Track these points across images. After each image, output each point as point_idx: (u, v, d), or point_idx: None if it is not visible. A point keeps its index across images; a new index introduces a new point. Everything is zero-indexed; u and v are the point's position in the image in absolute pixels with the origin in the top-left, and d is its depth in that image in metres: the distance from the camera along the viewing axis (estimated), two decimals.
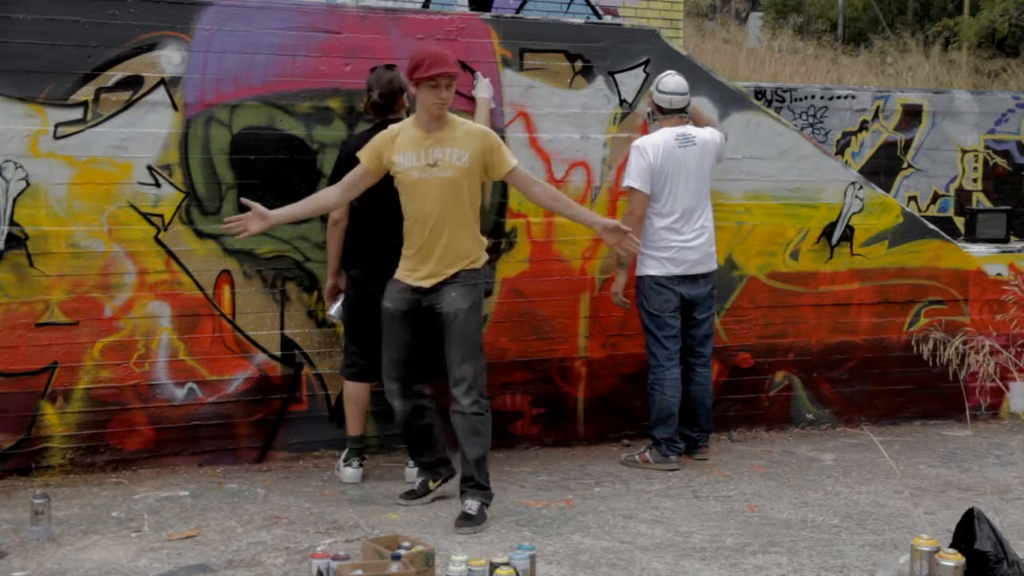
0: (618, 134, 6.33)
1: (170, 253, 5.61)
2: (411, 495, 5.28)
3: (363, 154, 5.05)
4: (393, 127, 5.10)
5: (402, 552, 3.99)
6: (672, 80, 6.01)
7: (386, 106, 5.47)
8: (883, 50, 20.15)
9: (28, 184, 5.34)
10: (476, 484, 5.00)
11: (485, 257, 5.13)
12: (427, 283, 4.99)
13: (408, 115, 5.53)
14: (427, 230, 4.96)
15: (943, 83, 16.97)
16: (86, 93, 5.40)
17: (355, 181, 5.07)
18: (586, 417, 6.45)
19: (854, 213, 6.84)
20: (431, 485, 5.30)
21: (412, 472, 5.54)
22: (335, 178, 5.51)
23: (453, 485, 5.23)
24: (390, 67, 5.52)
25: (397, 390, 5.14)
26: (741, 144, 6.49)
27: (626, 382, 6.45)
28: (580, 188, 6.29)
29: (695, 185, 5.98)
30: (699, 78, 6.38)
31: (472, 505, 4.93)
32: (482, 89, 5.91)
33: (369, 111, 5.56)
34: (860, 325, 6.94)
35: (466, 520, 4.87)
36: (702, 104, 6.37)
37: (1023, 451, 6.50)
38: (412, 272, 5.05)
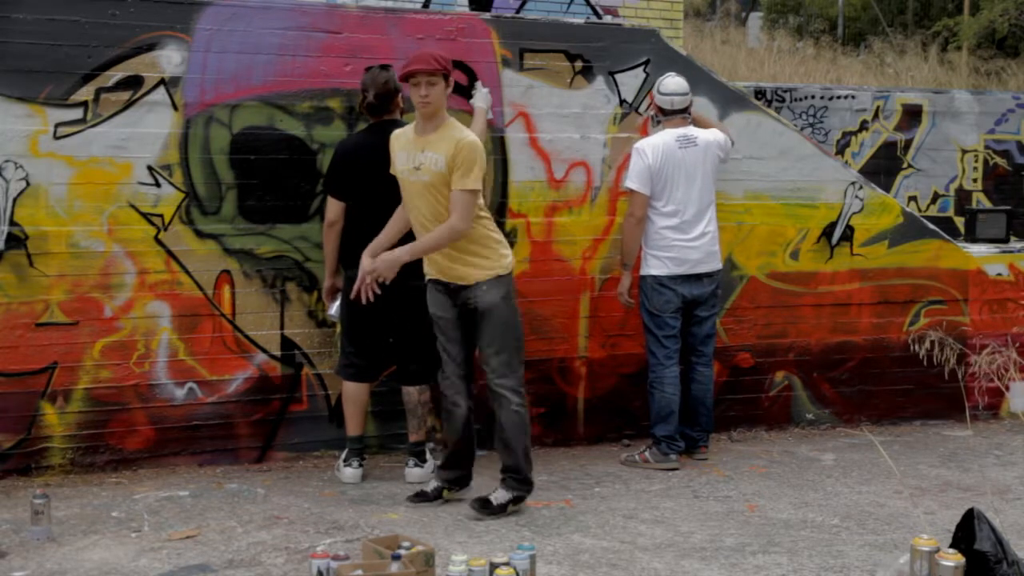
0: (618, 134, 6.33)
1: (170, 253, 5.61)
2: (422, 497, 5.23)
3: (393, 170, 5.12)
4: (397, 131, 5.13)
5: (402, 552, 3.99)
6: (672, 81, 6.01)
7: (380, 107, 5.47)
8: (881, 52, 20.13)
9: (28, 184, 5.34)
10: (521, 478, 5.04)
11: (506, 261, 5.05)
12: (451, 282, 5.00)
13: (403, 116, 5.55)
14: (420, 232, 4.98)
15: (942, 84, 16.95)
16: (86, 93, 5.40)
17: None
18: (586, 417, 6.45)
19: (854, 213, 6.84)
20: (446, 494, 5.27)
21: (413, 472, 5.54)
22: (331, 178, 5.54)
23: (459, 494, 5.29)
24: (385, 67, 5.49)
25: (461, 391, 5.14)
26: (741, 144, 6.49)
27: (626, 382, 6.45)
28: (580, 188, 6.29)
29: (697, 185, 5.97)
30: (699, 78, 6.38)
31: (501, 496, 4.98)
32: (480, 99, 5.83)
33: (364, 111, 5.55)
34: (860, 325, 6.94)
35: (481, 506, 4.92)
36: (703, 104, 6.37)
37: (1023, 451, 6.50)
38: (431, 270, 5.09)
